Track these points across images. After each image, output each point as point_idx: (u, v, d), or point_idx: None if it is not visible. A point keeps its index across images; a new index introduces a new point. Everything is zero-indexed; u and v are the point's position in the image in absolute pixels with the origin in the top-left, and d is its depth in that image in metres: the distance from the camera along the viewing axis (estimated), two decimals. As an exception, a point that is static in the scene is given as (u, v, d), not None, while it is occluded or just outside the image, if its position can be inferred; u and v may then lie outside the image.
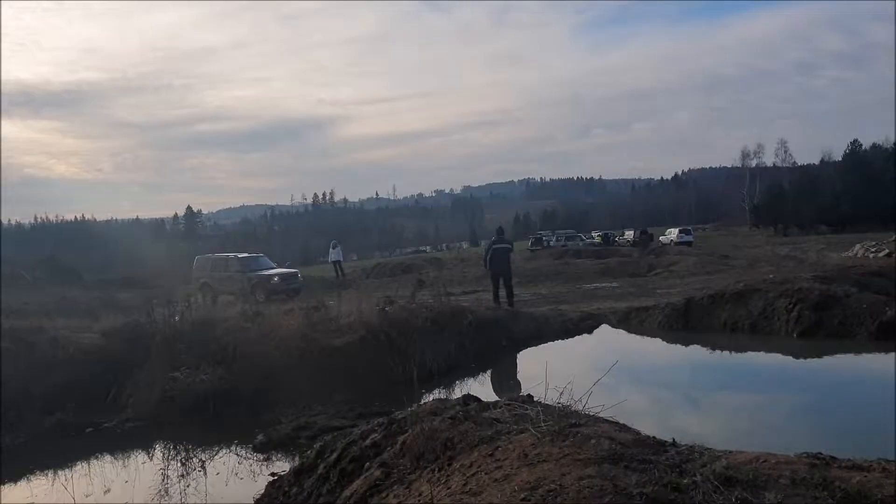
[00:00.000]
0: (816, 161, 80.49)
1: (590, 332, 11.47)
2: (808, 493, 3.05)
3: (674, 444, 3.97)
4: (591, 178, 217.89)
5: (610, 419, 4.36)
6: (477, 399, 5.22)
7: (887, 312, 9.39)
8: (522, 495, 3.05)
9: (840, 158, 66.34)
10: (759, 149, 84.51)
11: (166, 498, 5.81)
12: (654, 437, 4.07)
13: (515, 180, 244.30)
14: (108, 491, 5.92)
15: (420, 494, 3.54)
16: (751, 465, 3.49)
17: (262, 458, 6.44)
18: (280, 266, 25.22)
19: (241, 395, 7.69)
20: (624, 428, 4.21)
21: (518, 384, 8.38)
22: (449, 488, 3.42)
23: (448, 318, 9.98)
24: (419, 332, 9.12)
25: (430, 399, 7.56)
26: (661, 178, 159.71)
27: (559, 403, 4.56)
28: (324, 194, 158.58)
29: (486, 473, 3.42)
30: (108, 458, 6.84)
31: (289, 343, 8.29)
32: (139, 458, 6.82)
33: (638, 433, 4.11)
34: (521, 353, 10.18)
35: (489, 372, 9.37)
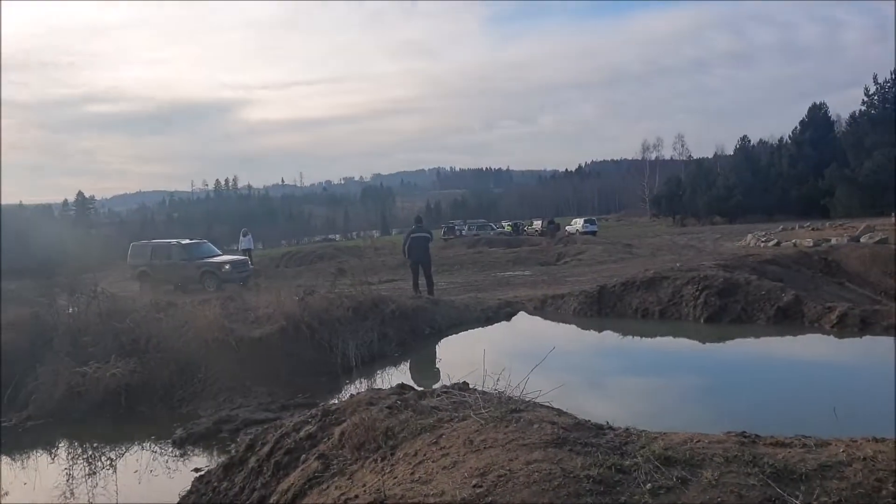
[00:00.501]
0: (711, 154, 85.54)
1: (508, 319, 11.65)
2: (740, 470, 3.19)
3: (610, 427, 4.09)
4: (500, 169, 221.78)
5: (547, 404, 4.44)
6: (412, 387, 5.18)
7: (784, 298, 10.04)
8: (473, 481, 3.04)
9: (732, 153, 70.57)
10: (659, 142, 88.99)
11: (72, 499, 5.43)
12: (589, 421, 4.18)
13: (426, 169, 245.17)
14: (6, 494, 5.47)
15: (365, 485, 3.45)
16: (686, 446, 3.63)
17: (180, 453, 6.14)
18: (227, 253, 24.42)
19: (156, 389, 7.32)
20: (562, 412, 4.30)
21: (438, 371, 8.43)
22: (395, 477, 3.37)
23: (369, 308, 9.86)
24: (341, 322, 8.97)
25: (353, 389, 7.49)
26: (567, 169, 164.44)
27: (496, 390, 4.59)
28: (226, 180, 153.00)
29: (432, 461, 3.39)
30: (5, 459, 6.32)
31: (205, 334, 7.92)
32: (41, 457, 6.34)
33: (575, 417, 4.20)
34: (443, 340, 10.22)
35: (413, 360, 9.35)
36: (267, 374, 7.68)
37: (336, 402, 5.21)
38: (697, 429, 4.73)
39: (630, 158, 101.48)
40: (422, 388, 5.53)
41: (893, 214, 35.30)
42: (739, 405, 6.19)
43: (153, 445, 6.36)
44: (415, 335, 10.07)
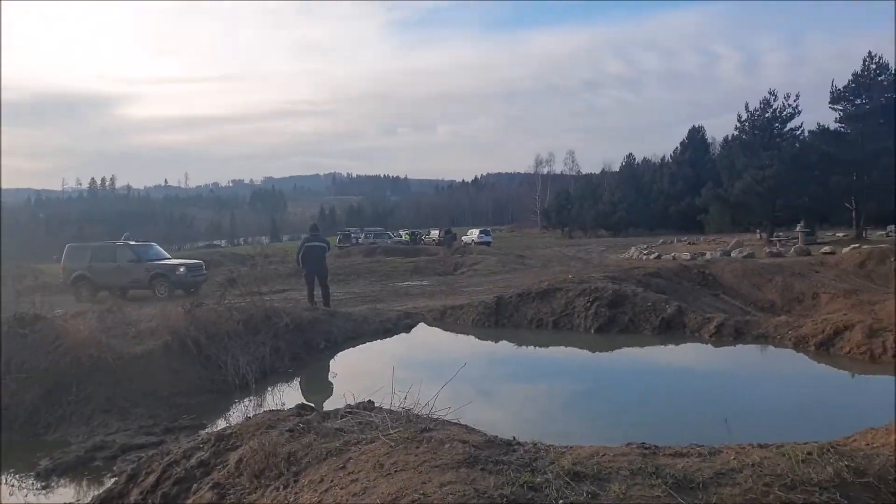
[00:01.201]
0: (598, 171, 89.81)
1: (408, 330, 11.56)
2: (645, 482, 3.25)
3: (518, 443, 4.08)
4: (397, 177, 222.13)
5: (456, 421, 4.38)
6: (313, 408, 4.97)
7: (668, 310, 10.58)
8: (386, 508, 2.92)
9: (618, 169, 74.42)
10: (551, 157, 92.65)
11: None
12: (498, 437, 4.16)
13: (321, 174, 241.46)
14: None
15: (266, 516, 3.25)
16: (593, 460, 3.68)
17: (43, 486, 5.46)
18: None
19: (17, 415, 6.59)
20: (471, 430, 4.25)
21: (334, 388, 8.18)
22: (300, 507, 3.18)
23: (261, 320, 9.44)
24: (230, 337, 8.49)
25: (243, 408, 7.09)
26: (463, 180, 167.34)
27: (403, 408, 4.48)
28: (103, 179, 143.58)
29: (340, 488, 3.22)
30: None
31: (79, 351, 7.22)
32: None
33: (485, 434, 4.16)
34: (340, 354, 9.95)
35: (308, 375, 9.02)
36: (148, 393, 7.12)
37: (230, 425, 4.89)
38: (597, 438, 4.85)
39: (523, 172, 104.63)
40: (325, 409, 5.33)
41: (758, 231, 38.51)
42: (633, 413, 6.41)
43: (13, 478, 5.67)
44: (310, 349, 9.74)
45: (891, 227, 37.82)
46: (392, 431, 3.87)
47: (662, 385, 7.81)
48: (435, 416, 4.36)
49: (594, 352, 9.96)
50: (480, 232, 55.38)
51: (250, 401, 7.40)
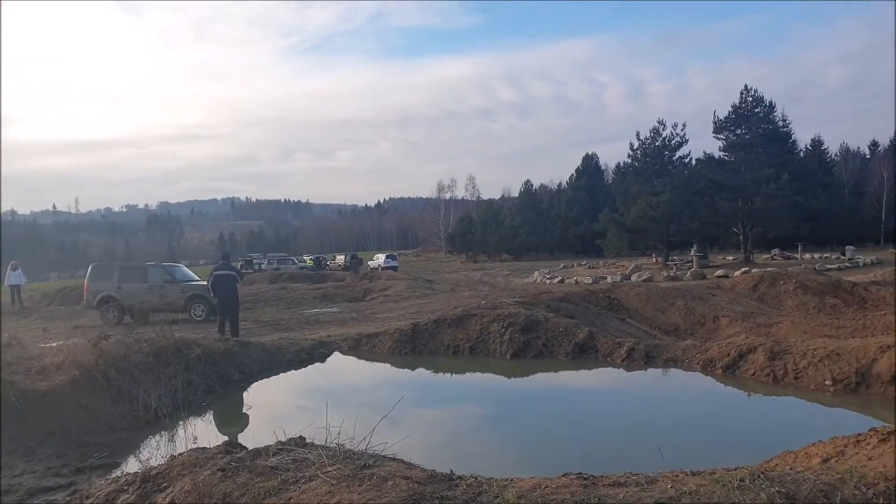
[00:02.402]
0: (499, 196, 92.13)
1: (323, 360, 11.23)
2: (591, 515, 3.27)
3: (459, 476, 4.01)
4: (299, 201, 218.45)
5: (394, 456, 4.25)
6: (242, 445, 4.69)
7: (579, 335, 10.84)
8: (333, 559, 2.76)
9: (517, 195, 76.56)
10: (453, 182, 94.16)
11: None
12: (437, 472, 4.06)
13: (219, 198, 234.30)
14: None
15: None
16: (536, 492, 3.66)
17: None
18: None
19: None
20: (411, 465, 4.13)
21: (251, 421, 7.81)
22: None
23: (172, 353, 8.90)
24: (140, 370, 7.96)
25: (155, 443, 6.65)
26: (366, 204, 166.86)
27: (337, 444, 4.31)
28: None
29: (283, 537, 3.04)
30: None
31: (-30, 390, 6.53)
32: None
33: (425, 469, 4.06)
34: (255, 385, 9.52)
35: (223, 409, 8.56)
36: (55, 432, 6.54)
37: (154, 465, 4.53)
38: (530, 468, 4.85)
39: (426, 196, 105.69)
40: (242, 444, 5.05)
41: (654, 255, 40.56)
42: (562, 440, 6.44)
43: None
44: (224, 381, 9.26)
45: (775, 251, 40.88)
46: (331, 469, 3.70)
47: (585, 410, 7.94)
48: (371, 452, 4.22)
49: (512, 377, 10.04)
50: (387, 256, 55.24)
51: (162, 436, 6.95)
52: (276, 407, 8.50)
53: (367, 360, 11.35)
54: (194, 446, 5.18)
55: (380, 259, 54.39)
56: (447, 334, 11.70)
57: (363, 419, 5.24)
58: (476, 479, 3.89)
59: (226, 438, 6.49)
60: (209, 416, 8.10)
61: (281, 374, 10.17)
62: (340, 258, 58.96)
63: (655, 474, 4.00)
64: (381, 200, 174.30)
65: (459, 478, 3.92)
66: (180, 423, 7.34)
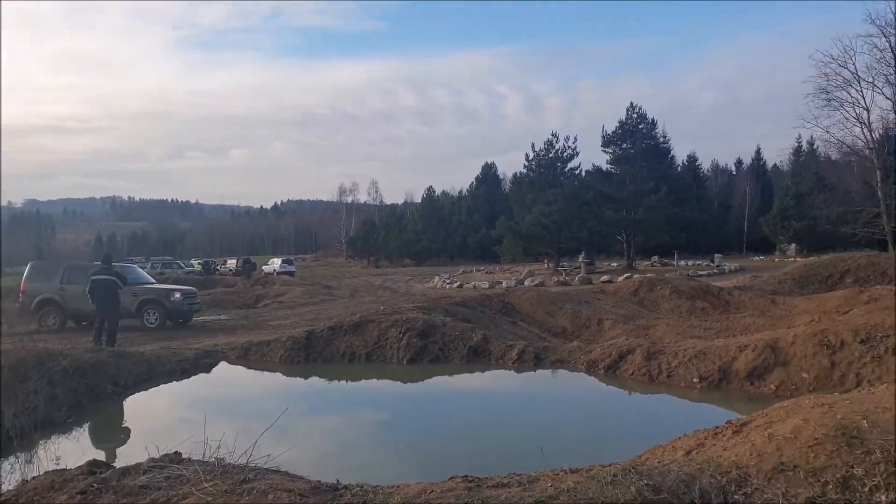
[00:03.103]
0: (401, 201, 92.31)
1: (208, 370, 10.80)
2: (475, 517, 3.35)
3: (344, 486, 3.99)
4: (188, 202, 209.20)
5: (276, 468, 4.16)
6: (107, 464, 4.43)
7: (474, 338, 11.07)
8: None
9: (420, 200, 77.11)
10: (354, 186, 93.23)
11: None
12: (322, 482, 4.03)
13: (98, 197, 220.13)
14: None
15: None
16: (422, 498, 3.71)
17: None
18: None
19: None
20: (294, 477, 4.06)
21: (125, 439, 7.40)
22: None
23: (33, 365, 8.22)
24: (-7, 386, 7.33)
25: (8, 468, 6.14)
26: (262, 206, 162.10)
27: (217, 458, 4.17)
28: None
29: (154, 558, 2.91)
30: None
31: None
32: None
33: (308, 480, 4.01)
34: (131, 399, 9.00)
35: (91, 426, 8.01)
36: None
37: (3, 492, 4.19)
38: (420, 473, 4.91)
39: (327, 200, 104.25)
40: (118, 464, 4.78)
41: (546, 261, 42.01)
42: (452, 444, 6.56)
43: None
44: (94, 395, 8.66)
45: (655, 258, 43.42)
46: (207, 485, 3.59)
47: (475, 413, 8.11)
48: (253, 466, 4.11)
49: (408, 383, 10.09)
50: (283, 261, 53.81)
51: (18, 459, 6.40)
52: (151, 421, 8.08)
53: (256, 369, 11.03)
54: (56, 468, 4.85)
55: (275, 263, 52.94)
56: (343, 341, 11.59)
57: (248, 431, 5.11)
58: (362, 487, 3.90)
59: (92, 458, 6.11)
60: (76, 434, 7.54)
61: (161, 386, 9.69)
62: (232, 262, 56.81)
63: (538, 474, 4.16)
64: (279, 202, 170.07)
65: (345, 487, 3.91)
66: (40, 443, 6.82)
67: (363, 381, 10.36)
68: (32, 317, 16.57)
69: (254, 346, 11.91)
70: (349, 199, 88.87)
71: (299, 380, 10.46)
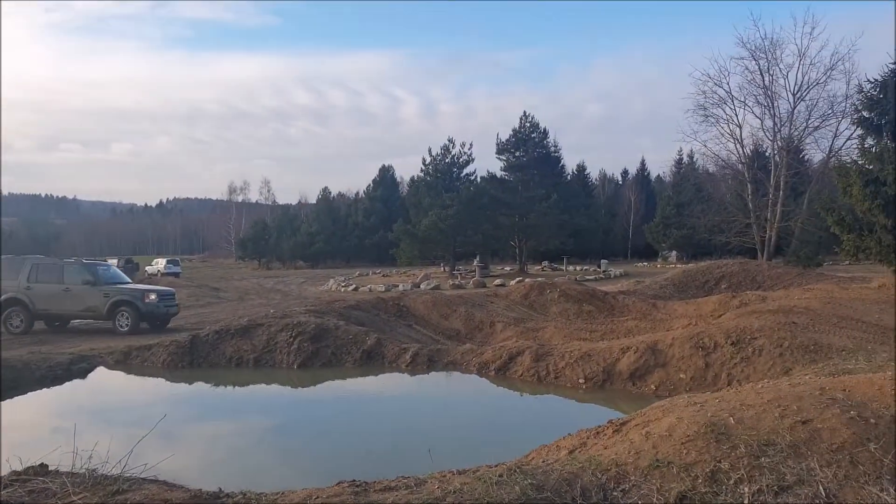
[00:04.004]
0: (295, 201, 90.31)
1: (83, 376, 10.09)
2: (362, 523, 3.31)
3: (226, 494, 3.83)
4: (64, 197, 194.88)
5: (154, 478, 3.94)
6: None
7: (368, 342, 10.99)
8: None
9: (315, 201, 75.71)
10: (245, 185, 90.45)
11: None
12: (203, 491, 3.85)
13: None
14: None
15: None
16: (308, 504, 3.63)
17: None
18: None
19: None
20: (173, 486, 3.86)
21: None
22: None
23: None
24: None
25: None
26: (146, 204, 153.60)
27: (88, 469, 3.89)
28: None
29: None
30: None
31: None
32: None
33: (188, 489, 3.82)
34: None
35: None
36: None
37: None
38: (308, 479, 4.80)
39: (216, 198, 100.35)
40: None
41: (442, 265, 42.43)
42: (342, 449, 6.45)
43: None
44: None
45: (545, 263, 44.94)
46: (76, 498, 3.35)
47: (366, 417, 8.03)
48: (129, 476, 3.87)
49: (297, 388, 9.86)
50: (168, 261, 51.27)
51: None
52: (16, 433, 7.42)
53: (137, 375, 10.43)
54: None
55: (159, 264, 50.35)
56: (231, 345, 11.19)
57: (126, 440, 4.82)
58: (245, 495, 3.77)
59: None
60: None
61: (29, 395, 8.96)
62: (113, 262, 53.43)
63: (425, 476, 4.17)
64: (164, 200, 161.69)
65: (227, 495, 3.76)
66: None
67: (251, 387, 10.04)
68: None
69: (134, 351, 11.27)
70: (240, 198, 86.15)
71: (183, 385, 9.99)
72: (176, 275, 43.96)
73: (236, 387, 10.04)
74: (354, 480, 4.13)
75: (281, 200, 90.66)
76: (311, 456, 6.26)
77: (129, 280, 17.64)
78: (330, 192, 74.40)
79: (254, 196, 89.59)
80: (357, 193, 76.98)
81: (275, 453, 6.45)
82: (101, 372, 10.44)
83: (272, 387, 10.03)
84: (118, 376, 10.36)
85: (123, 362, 10.88)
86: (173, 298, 16.72)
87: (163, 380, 10.23)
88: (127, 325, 15.01)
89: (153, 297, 15.63)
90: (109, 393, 9.77)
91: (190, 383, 10.08)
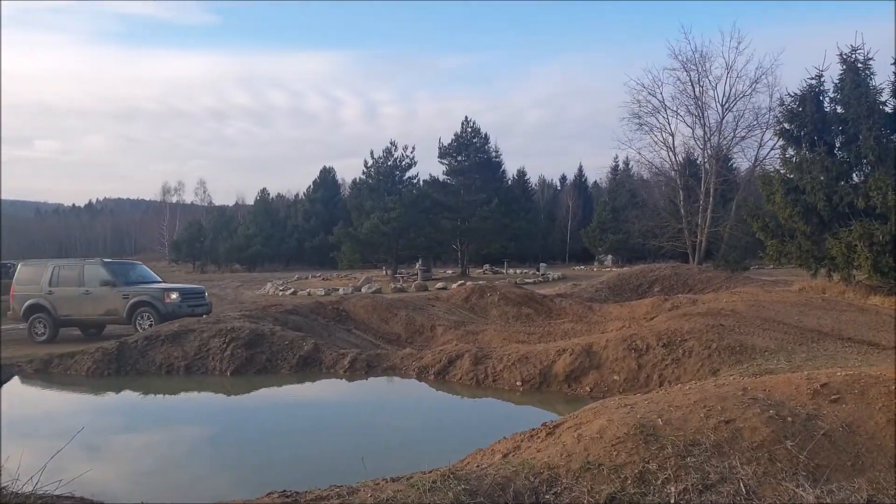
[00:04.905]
0: (232, 203, 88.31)
1: (-2, 386, 9.59)
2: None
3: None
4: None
5: (70, 495, 3.75)
6: None
7: (305, 347, 10.81)
8: None
9: (252, 203, 74.12)
10: (180, 186, 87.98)
11: None
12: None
13: None
14: None
15: None
16: (235, 518, 3.52)
17: None
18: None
19: None
20: (90, 502, 3.68)
21: None
22: None
23: None
24: None
25: None
26: (74, 204, 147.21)
27: (-4, 488, 3.68)
28: None
29: None
30: None
31: None
32: None
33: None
34: None
35: None
36: None
37: None
38: (240, 491, 4.67)
39: (149, 199, 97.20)
40: None
41: (384, 268, 42.21)
42: (275, 458, 6.29)
43: None
44: None
45: (486, 266, 45.29)
46: (-21, 523, 3.14)
47: (301, 425, 7.88)
48: (42, 493, 3.67)
49: (230, 395, 9.61)
50: (97, 264, 49.16)
51: None
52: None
53: (58, 384, 9.96)
54: None
55: (87, 267, 48.24)
56: (160, 352, 10.84)
57: (41, 454, 4.57)
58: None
59: None
60: None
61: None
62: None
63: (358, 484, 4.11)
64: (94, 200, 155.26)
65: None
66: None
67: (181, 395, 9.74)
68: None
69: (56, 359, 10.78)
70: (174, 199, 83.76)
71: (109, 394, 9.61)
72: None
73: (166, 395, 9.71)
74: (285, 491, 4.04)
75: (217, 202, 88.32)
76: (242, 466, 6.09)
77: (160, 279, 16.41)
78: (268, 194, 72.99)
79: (189, 197, 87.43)
80: (297, 195, 75.74)
81: (204, 464, 6.25)
82: (17, 382, 9.93)
83: (203, 395, 9.74)
84: (37, 386, 9.87)
85: (44, 371, 10.40)
86: (202, 297, 15.73)
87: (87, 389, 9.81)
88: (148, 328, 13.73)
89: (174, 296, 14.58)
90: (26, 403, 9.29)
91: (116, 392, 9.70)
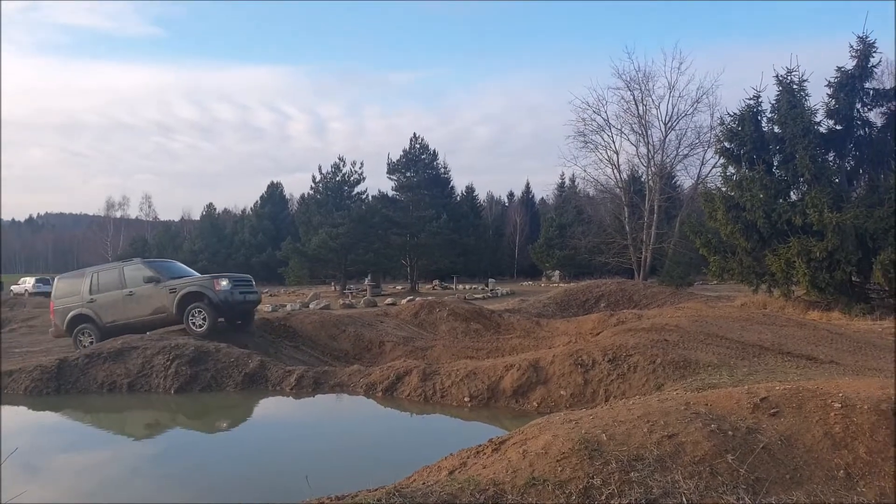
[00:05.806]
0: (178, 218, 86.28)
1: (-78, 408, 9.08)
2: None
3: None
4: None
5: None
6: None
7: (250, 364, 10.60)
8: None
9: (198, 218, 72.56)
10: (125, 200, 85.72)
11: None
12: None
13: None
14: None
15: None
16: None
17: None
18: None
19: None
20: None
21: None
22: None
23: None
24: None
25: None
26: (14, 219, 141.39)
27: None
28: None
29: None
30: None
31: None
32: None
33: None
34: None
35: None
36: None
37: None
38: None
39: (92, 214, 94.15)
40: None
41: (333, 284, 41.78)
42: (216, 478, 6.15)
43: None
44: None
45: (436, 282, 45.35)
46: None
47: (244, 444, 7.71)
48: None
49: (173, 414, 9.35)
50: (37, 280, 47.23)
51: None
52: None
53: (-8, 404, 9.50)
54: None
55: (27, 283, 46.32)
56: (102, 370, 10.51)
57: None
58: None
59: None
60: None
61: None
62: (-34, 282, 48.64)
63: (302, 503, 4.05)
64: (35, 215, 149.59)
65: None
66: None
67: (123, 413, 9.45)
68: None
69: (-10, 378, 10.28)
70: (118, 214, 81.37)
71: (47, 414, 9.26)
72: (46, 294, 40.63)
73: (107, 414, 9.40)
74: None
75: (163, 216, 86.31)
76: (184, 486, 5.91)
77: (195, 274, 15.41)
78: (215, 209, 71.62)
79: (134, 212, 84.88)
80: (244, 210, 74.47)
81: (144, 485, 6.05)
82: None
83: (146, 413, 9.46)
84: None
85: (-25, 391, 9.89)
86: (251, 284, 14.63)
87: (24, 408, 9.46)
88: (203, 323, 12.92)
89: (224, 283, 13.29)
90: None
91: (56, 411, 9.35)
